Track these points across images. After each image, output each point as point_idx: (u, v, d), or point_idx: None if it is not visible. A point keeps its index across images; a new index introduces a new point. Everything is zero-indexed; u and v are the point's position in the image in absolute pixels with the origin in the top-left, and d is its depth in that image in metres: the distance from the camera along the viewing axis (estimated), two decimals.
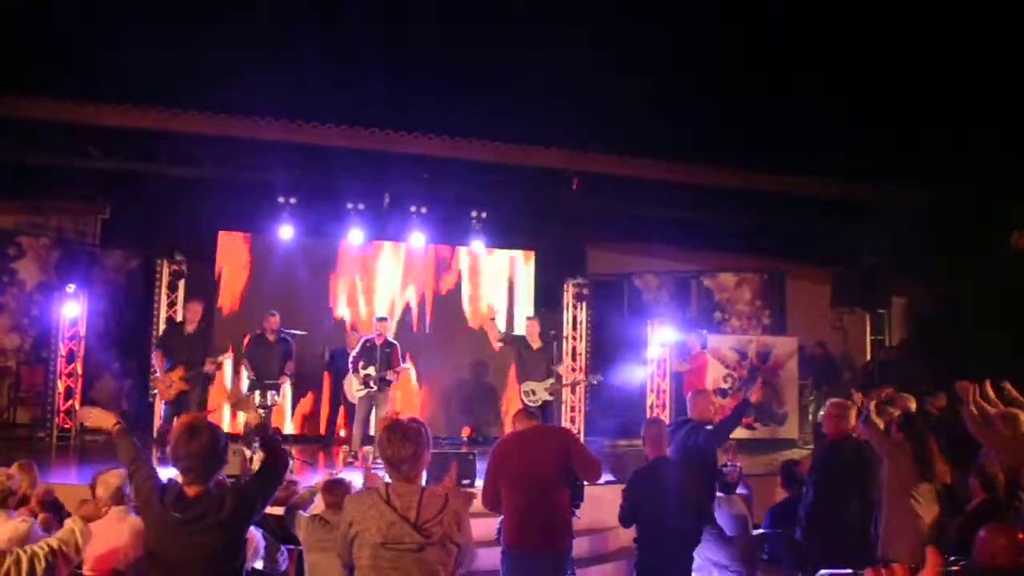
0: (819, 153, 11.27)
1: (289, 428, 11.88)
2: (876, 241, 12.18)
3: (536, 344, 10.02)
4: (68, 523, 4.46)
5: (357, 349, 10.11)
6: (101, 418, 3.93)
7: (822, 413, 6.43)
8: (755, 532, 6.85)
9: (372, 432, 9.85)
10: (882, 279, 11.96)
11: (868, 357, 12.42)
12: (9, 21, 9.23)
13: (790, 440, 12.65)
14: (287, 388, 11.00)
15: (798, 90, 11.65)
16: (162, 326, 11.10)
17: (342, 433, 11.18)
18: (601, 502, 8.20)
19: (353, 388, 10.04)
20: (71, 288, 11.37)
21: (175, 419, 9.31)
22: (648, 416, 11.65)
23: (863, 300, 12.09)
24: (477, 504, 5.04)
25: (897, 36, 10.46)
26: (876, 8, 10.50)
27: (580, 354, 12.73)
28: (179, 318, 10.23)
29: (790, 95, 11.63)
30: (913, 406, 7.44)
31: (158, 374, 9.68)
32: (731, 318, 13.97)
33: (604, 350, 13.00)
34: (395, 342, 10.10)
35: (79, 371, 11.45)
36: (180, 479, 3.54)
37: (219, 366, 9.82)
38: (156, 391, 9.75)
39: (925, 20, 10.01)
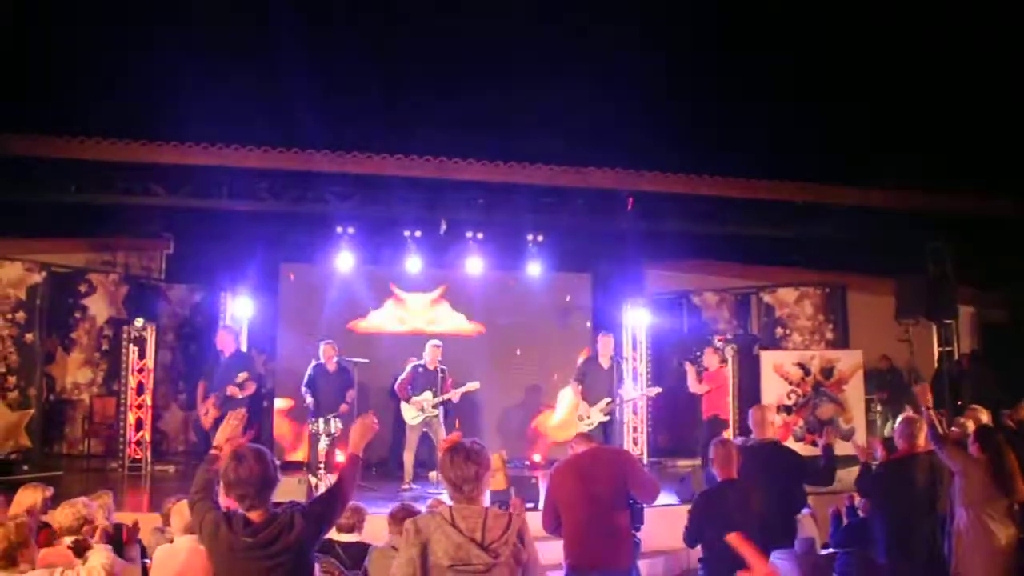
0: (876, 163, 11.10)
1: None
2: (939, 249, 11.89)
3: (606, 363, 10.00)
4: (95, 555, 4.49)
5: (406, 375, 10.22)
6: (222, 433, 4.03)
7: (893, 427, 6.25)
8: (823, 552, 6.71)
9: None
10: (948, 288, 11.65)
11: (936, 369, 12.11)
12: (76, 70, 9.57)
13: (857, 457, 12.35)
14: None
15: (853, 99, 11.50)
16: None
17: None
18: (670, 523, 8.14)
19: (408, 415, 10.10)
20: (139, 322, 11.69)
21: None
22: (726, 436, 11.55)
23: (929, 310, 11.77)
24: (538, 527, 5.04)
25: (963, 44, 10.29)
26: (933, 12, 10.35)
27: (640, 375, 12.68)
28: (227, 350, 10.14)
29: (844, 104, 11.50)
30: (985, 418, 7.25)
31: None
32: (793, 333, 13.75)
33: (665, 371, 12.91)
34: (444, 367, 10.19)
35: (148, 403, 11.74)
36: (239, 507, 3.56)
37: (240, 386, 9.75)
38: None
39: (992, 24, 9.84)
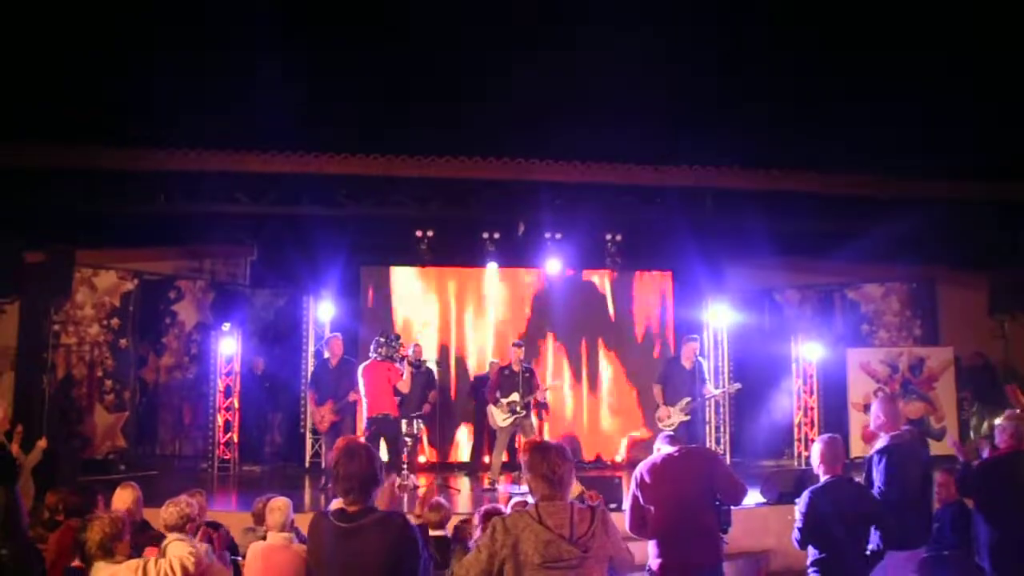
0: (964, 153, 10.73)
1: (434, 456, 12.12)
2: None
3: (689, 364, 9.97)
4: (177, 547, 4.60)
5: (494, 378, 10.29)
6: None
7: (996, 424, 6.00)
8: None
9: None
10: None
11: None
12: (162, 84, 9.84)
13: (950, 456, 11.97)
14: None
15: (939, 90, 11.16)
16: (310, 359, 11.71)
17: (486, 460, 11.32)
18: (751, 524, 8.02)
19: (499, 418, 10.15)
20: (226, 327, 12.02)
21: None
22: (810, 436, 11.38)
23: None
24: (623, 528, 5.01)
25: None
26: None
27: (722, 374, 12.53)
28: (325, 353, 10.52)
29: (931, 95, 11.16)
30: None
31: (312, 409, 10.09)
32: (879, 330, 13.40)
33: (746, 369, 12.71)
34: (531, 366, 10.24)
35: (236, 405, 12.05)
36: (341, 502, 3.60)
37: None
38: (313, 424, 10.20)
39: None
